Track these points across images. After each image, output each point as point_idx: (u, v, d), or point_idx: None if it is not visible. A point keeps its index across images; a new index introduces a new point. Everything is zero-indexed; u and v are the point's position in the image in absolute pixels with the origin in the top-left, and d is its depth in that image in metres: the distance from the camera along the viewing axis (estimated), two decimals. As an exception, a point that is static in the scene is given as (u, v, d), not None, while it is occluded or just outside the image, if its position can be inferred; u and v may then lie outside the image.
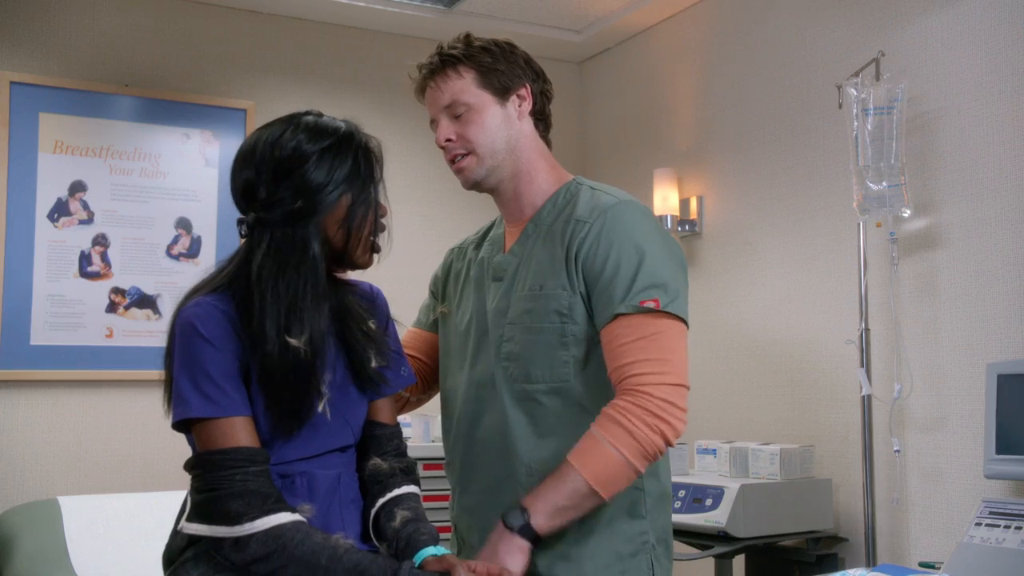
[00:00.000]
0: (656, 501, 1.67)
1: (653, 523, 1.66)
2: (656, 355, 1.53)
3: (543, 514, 1.50)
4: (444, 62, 1.69)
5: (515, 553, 1.48)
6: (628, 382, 1.53)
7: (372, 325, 1.58)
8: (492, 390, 1.69)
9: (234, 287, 1.47)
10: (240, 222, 1.51)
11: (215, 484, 1.40)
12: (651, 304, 1.55)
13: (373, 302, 1.65)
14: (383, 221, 1.55)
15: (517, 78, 1.71)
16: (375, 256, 1.55)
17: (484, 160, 1.69)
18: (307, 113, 1.55)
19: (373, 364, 1.54)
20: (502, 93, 1.69)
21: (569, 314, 1.62)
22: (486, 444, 1.70)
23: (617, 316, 1.56)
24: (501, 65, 1.69)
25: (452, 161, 1.71)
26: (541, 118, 1.76)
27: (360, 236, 1.51)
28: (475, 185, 1.73)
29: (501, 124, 1.69)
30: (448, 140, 1.70)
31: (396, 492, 1.57)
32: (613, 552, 1.63)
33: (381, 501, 1.56)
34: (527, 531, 1.49)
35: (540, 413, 1.62)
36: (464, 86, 1.68)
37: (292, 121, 1.53)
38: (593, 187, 1.72)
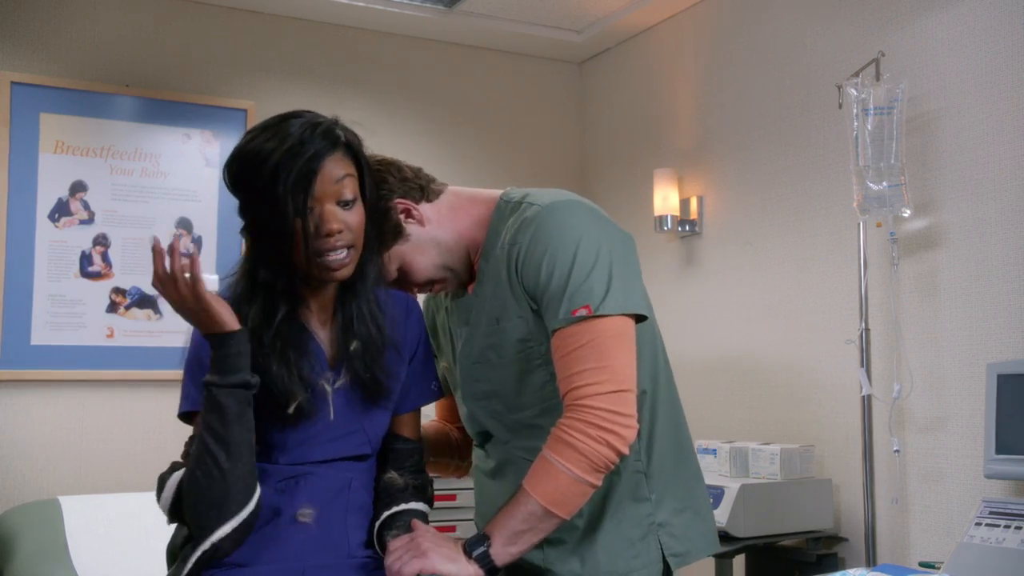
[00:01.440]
0: (660, 481, 1.67)
1: (659, 503, 1.66)
2: (593, 363, 1.50)
3: (500, 541, 1.48)
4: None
5: (460, 563, 1.46)
6: (570, 396, 1.51)
7: (377, 338, 1.54)
8: (486, 433, 1.70)
9: None
10: None
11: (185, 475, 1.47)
12: (582, 311, 1.51)
13: (404, 320, 1.63)
14: (331, 238, 1.45)
15: (389, 212, 1.64)
16: (335, 272, 1.47)
17: (446, 276, 1.69)
18: (260, 124, 1.49)
19: (365, 374, 1.53)
20: (398, 234, 1.65)
21: (532, 337, 1.60)
22: (502, 464, 1.71)
23: (555, 331, 1.54)
24: (375, 219, 1.59)
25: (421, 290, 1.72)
26: (424, 189, 1.69)
27: (297, 257, 1.44)
28: (460, 287, 1.73)
29: (424, 247, 1.66)
30: (419, 292, 1.71)
31: (403, 507, 1.57)
32: (623, 538, 1.63)
33: (386, 514, 1.56)
34: (484, 559, 1.48)
35: (542, 435, 1.59)
36: (387, 260, 1.65)
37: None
38: (519, 201, 1.66)
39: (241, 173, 1.46)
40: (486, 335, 1.65)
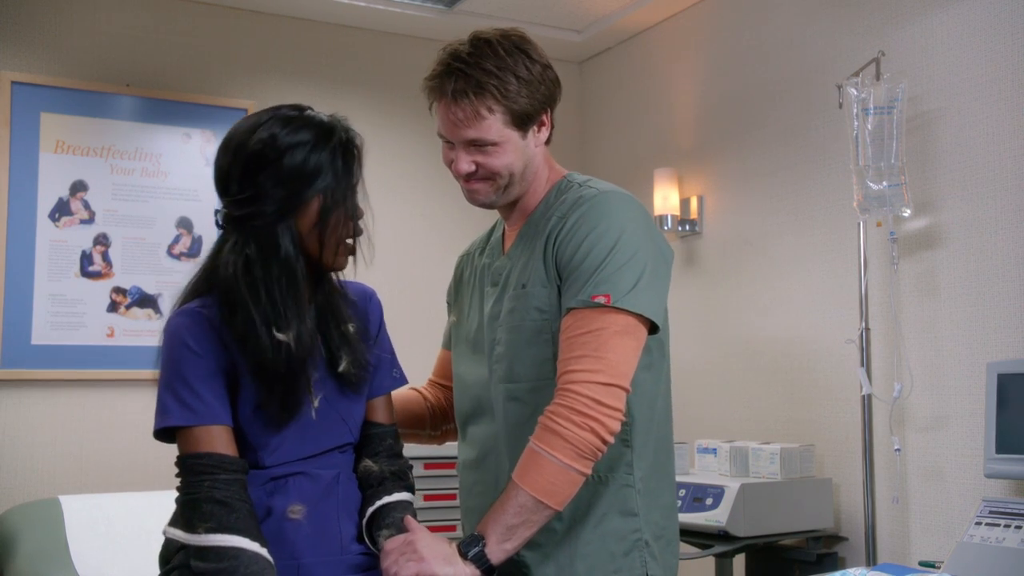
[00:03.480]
0: (650, 497, 1.65)
1: (646, 519, 1.64)
2: (593, 352, 1.49)
3: (494, 538, 1.47)
4: (473, 91, 1.59)
5: (457, 564, 1.46)
6: (562, 380, 1.51)
7: (351, 328, 1.55)
8: (487, 395, 1.69)
9: (212, 288, 1.47)
10: (216, 212, 1.52)
11: (187, 488, 1.42)
12: (601, 299, 1.51)
13: (366, 306, 1.63)
14: (360, 224, 1.52)
15: (540, 109, 1.65)
16: (349, 259, 1.52)
17: (501, 187, 1.66)
18: (290, 106, 1.50)
19: (342, 368, 1.52)
20: (526, 128, 1.64)
21: (549, 310, 1.61)
22: (485, 452, 1.70)
23: (570, 310, 1.55)
24: (525, 96, 1.61)
25: (464, 179, 1.66)
26: (552, 131, 1.73)
27: (333, 239, 1.47)
28: (484, 206, 1.71)
29: (521, 154, 1.65)
30: (470, 173, 1.65)
31: (386, 500, 1.56)
32: (606, 552, 1.61)
33: (371, 510, 1.55)
34: (480, 559, 1.46)
35: (527, 413, 1.59)
36: (491, 124, 1.60)
37: (271, 113, 1.49)
38: (581, 183, 1.69)
39: (310, 137, 1.46)
40: (512, 298, 1.65)
